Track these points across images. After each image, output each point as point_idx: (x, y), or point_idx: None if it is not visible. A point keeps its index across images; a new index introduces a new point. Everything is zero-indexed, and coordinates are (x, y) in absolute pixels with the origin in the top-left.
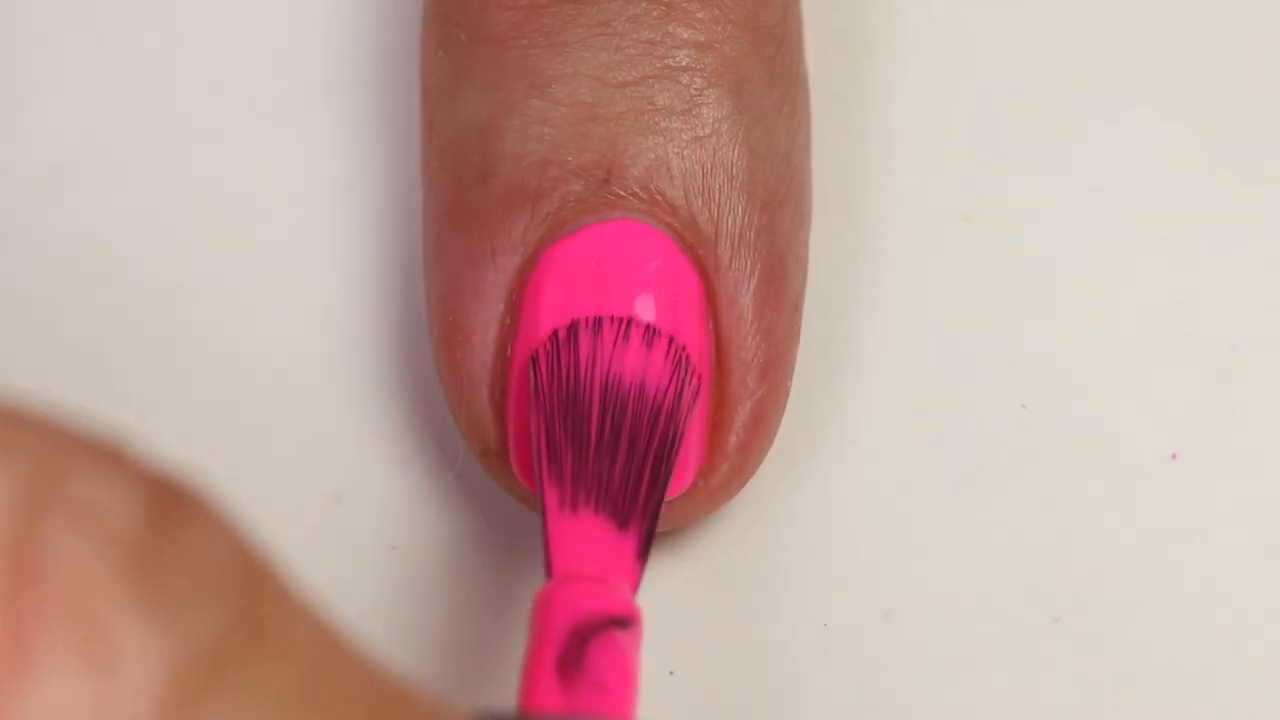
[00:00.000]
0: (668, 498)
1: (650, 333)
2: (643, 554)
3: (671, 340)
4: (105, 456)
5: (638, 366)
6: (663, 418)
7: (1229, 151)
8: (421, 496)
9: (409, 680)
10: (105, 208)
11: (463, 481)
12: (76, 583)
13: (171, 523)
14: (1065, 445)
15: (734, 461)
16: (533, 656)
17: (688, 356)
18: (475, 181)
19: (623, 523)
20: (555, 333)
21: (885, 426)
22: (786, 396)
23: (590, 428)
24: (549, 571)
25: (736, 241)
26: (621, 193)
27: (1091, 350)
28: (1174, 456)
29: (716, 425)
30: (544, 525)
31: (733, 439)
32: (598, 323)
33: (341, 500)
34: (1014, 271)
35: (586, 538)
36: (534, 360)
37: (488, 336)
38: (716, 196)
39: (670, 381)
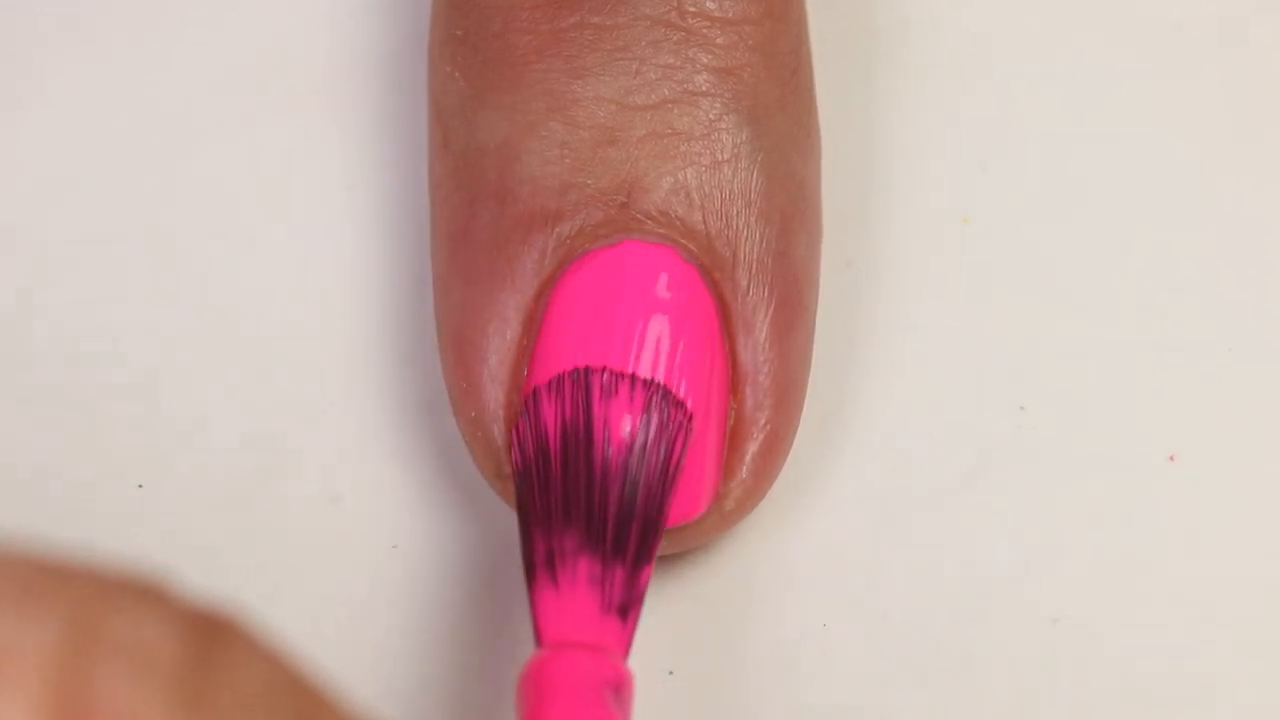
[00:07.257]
0: (680, 522)
1: (635, 385)
2: (631, 618)
3: (663, 393)
4: (143, 596)
5: (622, 433)
6: (654, 484)
7: (1227, 153)
8: (421, 496)
9: None
10: (104, 209)
11: (463, 482)
12: (126, 717)
13: (213, 651)
14: (1064, 446)
15: (747, 486)
16: None
17: (677, 409)
18: (492, 203)
19: (611, 590)
20: (535, 392)
21: (885, 427)
22: (799, 420)
23: (581, 491)
24: (538, 640)
25: (755, 267)
26: (640, 217)
27: (1090, 352)
28: (1172, 458)
29: (731, 451)
30: (531, 594)
31: (746, 465)
32: (584, 379)
33: (341, 500)
34: (1013, 272)
35: (575, 606)
36: (516, 431)
37: (505, 360)
38: (735, 222)
39: (656, 447)
